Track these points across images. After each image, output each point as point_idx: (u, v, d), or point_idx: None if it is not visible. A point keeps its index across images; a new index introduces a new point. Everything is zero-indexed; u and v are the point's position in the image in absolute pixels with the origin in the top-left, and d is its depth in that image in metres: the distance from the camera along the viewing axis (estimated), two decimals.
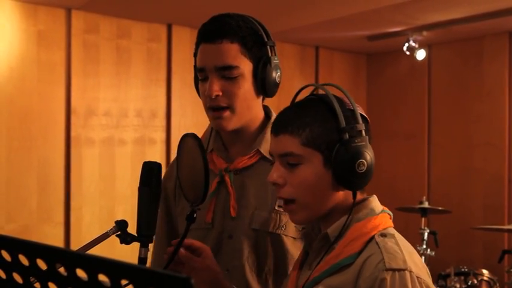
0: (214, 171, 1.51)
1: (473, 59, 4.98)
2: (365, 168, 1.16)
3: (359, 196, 1.22)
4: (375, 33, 4.86)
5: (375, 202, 1.24)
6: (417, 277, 1.10)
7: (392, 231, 1.19)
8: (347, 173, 1.16)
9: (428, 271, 1.18)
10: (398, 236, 1.18)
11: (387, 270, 1.09)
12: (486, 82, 4.89)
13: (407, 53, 4.85)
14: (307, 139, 1.18)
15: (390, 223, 1.22)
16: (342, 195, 1.21)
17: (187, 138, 1.34)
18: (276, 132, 1.23)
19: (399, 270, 1.09)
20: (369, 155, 1.17)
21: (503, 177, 4.75)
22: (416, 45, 4.79)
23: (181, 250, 1.33)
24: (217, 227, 1.51)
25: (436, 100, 5.24)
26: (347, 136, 1.16)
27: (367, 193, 1.27)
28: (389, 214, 1.24)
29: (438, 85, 5.23)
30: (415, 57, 4.95)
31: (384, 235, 1.16)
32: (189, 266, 1.35)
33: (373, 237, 1.16)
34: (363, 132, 1.18)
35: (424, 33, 4.68)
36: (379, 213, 1.21)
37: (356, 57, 5.71)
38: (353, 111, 1.19)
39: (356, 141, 1.16)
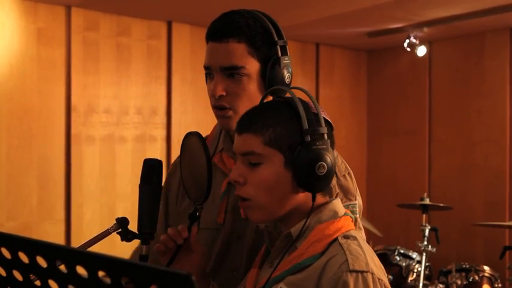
0: (224, 172, 1.49)
1: (474, 55, 4.96)
2: (325, 171, 1.18)
3: (322, 199, 1.24)
4: (375, 29, 4.84)
5: (338, 205, 1.26)
6: (378, 279, 1.15)
7: (355, 233, 1.22)
8: (307, 175, 1.17)
9: (385, 272, 1.22)
10: (361, 239, 1.22)
11: (351, 271, 1.12)
12: (487, 78, 4.88)
13: (408, 49, 4.84)
14: (269, 139, 1.19)
15: (352, 226, 1.26)
16: (302, 198, 1.22)
17: (191, 137, 1.33)
18: (239, 130, 1.23)
19: (362, 272, 1.13)
20: (329, 158, 1.18)
21: (504, 173, 4.74)
22: (417, 42, 4.78)
23: (180, 226, 1.31)
24: (227, 228, 1.49)
25: (437, 96, 5.23)
26: (309, 138, 1.17)
27: (328, 195, 1.30)
28: (351, 217, 1.27)
29: (439, 81, 5.22)
30: (415, 54, 4.93)
31: (347, 237, 1.19)
32: (184, 248, 1.33)
33: (336, 239, 1.19)
34: (325, 136, 1.19)
35: (425, 29, 4.67)
36: (341, 216, 1.24)
37: (357, 53, 5.70)
38: (317, 115, 1.20)
39: (317, 143, 1.17)
